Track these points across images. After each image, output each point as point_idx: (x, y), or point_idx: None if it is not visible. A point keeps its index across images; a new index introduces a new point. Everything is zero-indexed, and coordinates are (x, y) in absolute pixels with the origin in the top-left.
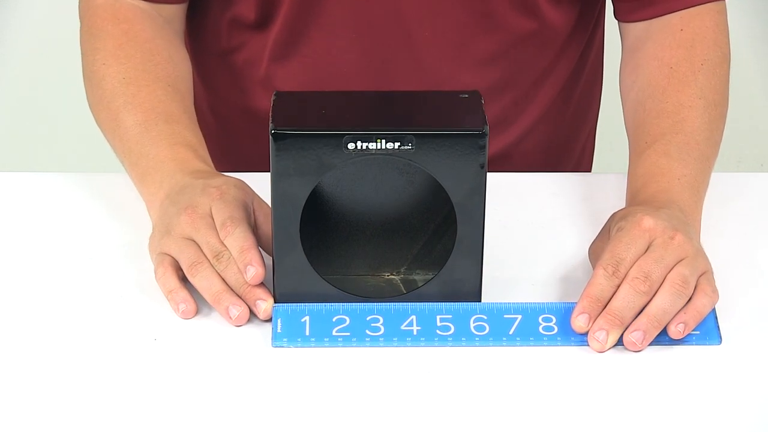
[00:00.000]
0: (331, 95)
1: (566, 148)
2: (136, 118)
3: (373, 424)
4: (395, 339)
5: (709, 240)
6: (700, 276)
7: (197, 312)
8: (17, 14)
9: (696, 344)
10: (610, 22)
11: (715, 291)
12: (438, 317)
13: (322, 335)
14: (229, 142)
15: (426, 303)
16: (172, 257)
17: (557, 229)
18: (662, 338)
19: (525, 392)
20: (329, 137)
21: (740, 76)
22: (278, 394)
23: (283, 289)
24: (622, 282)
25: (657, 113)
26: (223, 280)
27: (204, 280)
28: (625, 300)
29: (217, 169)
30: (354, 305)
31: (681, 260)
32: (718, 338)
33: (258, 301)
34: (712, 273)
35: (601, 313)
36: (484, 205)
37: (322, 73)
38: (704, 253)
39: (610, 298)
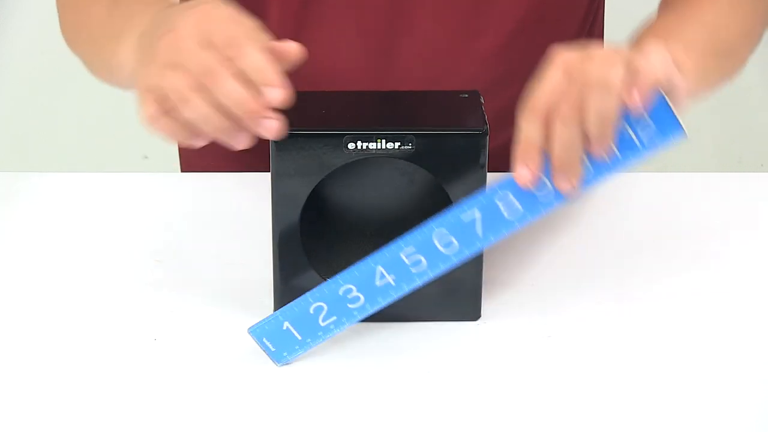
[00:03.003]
0: (332, 95)
1: None
2: (103, 4)
3: (374, 423)
4: (379, 298)
5: (710, 240)
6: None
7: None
8: (17, 14)
9: (658, 142)
10: (612, 22)
11: (659, 53)
12: (403, 256)
13: (313, 332)
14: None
15: (384, 247)
16: (157, 94)
17: (557, 229)
18: (629, 146)
19: (526, 393)
20: (329, 137)
21: (740, 76)
22: (279, 394)
23: (283, 289)
24: (550, 122)
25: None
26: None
27: (198, 110)
28: (561, 140)
29: (217, 169)
30: (319, 290)
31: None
32: (679, 127)
33: (265, 121)
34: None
35: (537, 156)
36: None
37: (324, 66)
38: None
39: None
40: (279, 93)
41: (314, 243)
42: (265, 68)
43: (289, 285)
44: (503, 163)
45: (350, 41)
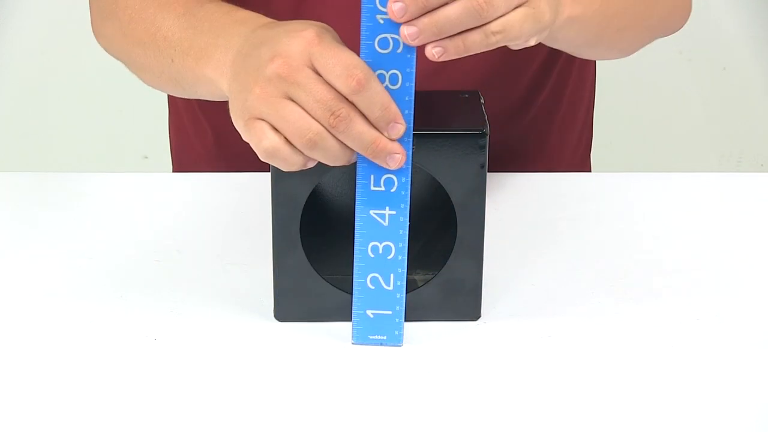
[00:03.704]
0: None
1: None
2: (177, 12)
3: (374, 423)
4: (400, 231)
5: (709, 240)
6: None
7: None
8: (17, 14)
9: None
10: None
11: (528, 19)
12: (373, 213)
13: (391, 298)
14: (228, 144)
15: (355, 210)
16: (268, 122)
17: (557, 229)
18: None
19: (526, 393)
20: None
21: (740, 76)
22: (279, 394)
23: (283, 289)
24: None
25: None
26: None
27: (330, 151)
28: (455, 14)
29: (215, 170)
30: (357, 267)
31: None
32: None
33: (393, 156)
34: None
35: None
36: (484, 205)
37: None
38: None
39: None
40: (402, 129)
41: (314, 243)
42: (390, 104)
43: (289, 285)
44: (503, 163)
45: (348, 41)
